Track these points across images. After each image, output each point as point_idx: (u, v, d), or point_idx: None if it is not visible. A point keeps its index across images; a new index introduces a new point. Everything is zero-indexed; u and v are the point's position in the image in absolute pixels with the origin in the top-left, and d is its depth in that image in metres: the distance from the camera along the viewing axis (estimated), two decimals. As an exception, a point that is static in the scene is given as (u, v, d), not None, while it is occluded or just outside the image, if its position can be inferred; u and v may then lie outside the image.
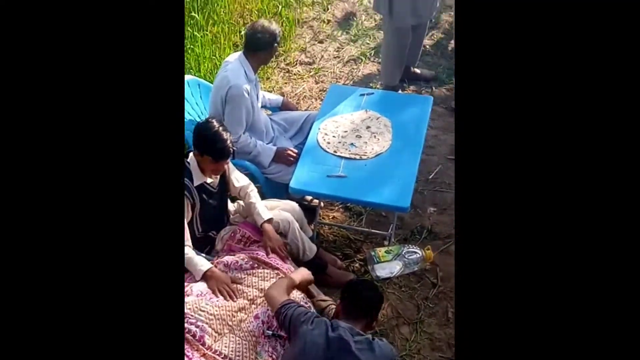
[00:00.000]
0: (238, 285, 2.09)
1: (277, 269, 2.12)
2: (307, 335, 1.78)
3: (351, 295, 1.92)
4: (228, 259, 2.18)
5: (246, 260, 2.16)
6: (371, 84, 3.71)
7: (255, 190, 2.42)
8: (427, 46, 3.96)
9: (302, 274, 2.13)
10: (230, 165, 2.39)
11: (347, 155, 2.58)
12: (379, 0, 3.29)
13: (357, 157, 2.58)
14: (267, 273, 2.10)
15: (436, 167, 3.13)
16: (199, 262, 2.12)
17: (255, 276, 2.10)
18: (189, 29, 3.86)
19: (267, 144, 2.71)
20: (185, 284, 2.09)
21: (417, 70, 3.69)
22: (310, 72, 3.86)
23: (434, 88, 3.67)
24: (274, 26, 2.58)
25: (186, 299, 1.97)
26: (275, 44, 2.60)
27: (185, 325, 1.88)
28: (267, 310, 1.99)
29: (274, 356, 1.94)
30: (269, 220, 2.29)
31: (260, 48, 2.57)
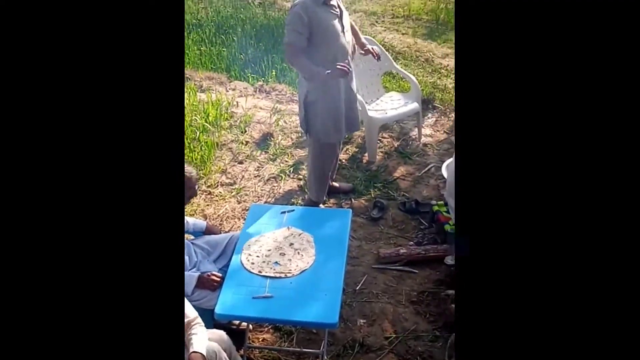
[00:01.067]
0: None
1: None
2: None
3: None
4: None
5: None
6: (292, 200, 3.79)
7: (202, 324, 2.29)
8: (343, 160, 4.14)
9: None
10: None
11: (272, 275, 2.56)
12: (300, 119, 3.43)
13: (282, 275, 2.56)
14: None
15: (362, 277, 3.16)
16: None
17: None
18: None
19: (190, 269, 2.65)
20: None
21: (336, 184, 3.82)
22: (231, 192, 3.91)
23: (352, 200, 3.79)
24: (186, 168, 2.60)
25: None
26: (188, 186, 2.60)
27: None
28: None
29: None
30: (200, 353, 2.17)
31: None
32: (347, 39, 3.24)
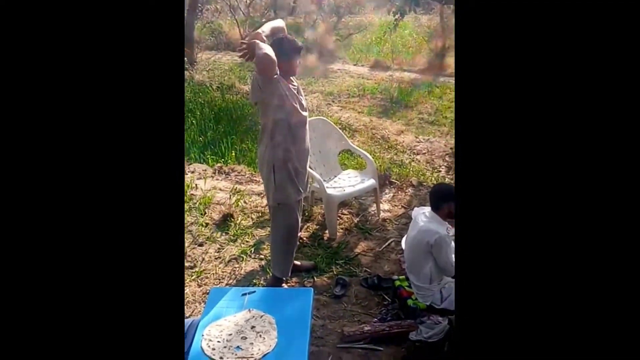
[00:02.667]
0: None
1: None
2: None
3: None
4: None
5: None
6: (254, 280, 3.75)
7: None
8: (304, 238, 4.15)
9: None
10: None
11: (234, 360, 2.50)
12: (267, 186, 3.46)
13: (244, 360, 2.50)
14: None
15: (327, 357, 3.09)
16: None
17: None
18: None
19: (148, 359, 2.56)
20: None
21: (298, 262, 3.81)
22: (192, 275, 3.84)
23: (315, 278, 3.77)
24: None
25: None
26: None
27: None
28: None
29: None
30: None
31: None
32: (305, 115, 3.38)
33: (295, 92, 3.33)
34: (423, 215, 3.28)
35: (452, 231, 3.44)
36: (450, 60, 8.73)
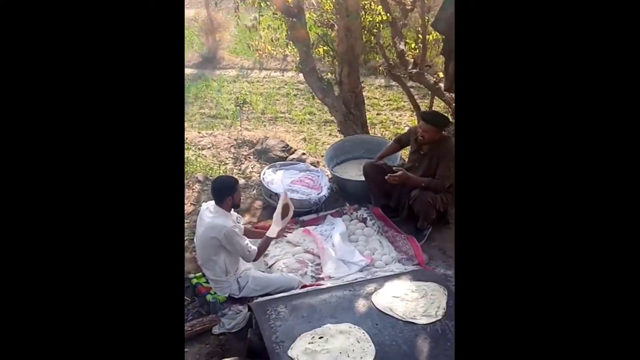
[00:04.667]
0: None
1: None
2: None
3: None
4: None
5: None
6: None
7: None
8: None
9: None
10: None
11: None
12: None
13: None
14: None
15: None
16: None
17: None
18: None
19: None
20: None
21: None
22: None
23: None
24: None
25: None
26: None
27: None
28: None
29: None
30: None
31: None
32: None
33: None
34: (208, 210, 3.30)
35: (241, 220, 3.52)
36: (223, 53, 8.80)
